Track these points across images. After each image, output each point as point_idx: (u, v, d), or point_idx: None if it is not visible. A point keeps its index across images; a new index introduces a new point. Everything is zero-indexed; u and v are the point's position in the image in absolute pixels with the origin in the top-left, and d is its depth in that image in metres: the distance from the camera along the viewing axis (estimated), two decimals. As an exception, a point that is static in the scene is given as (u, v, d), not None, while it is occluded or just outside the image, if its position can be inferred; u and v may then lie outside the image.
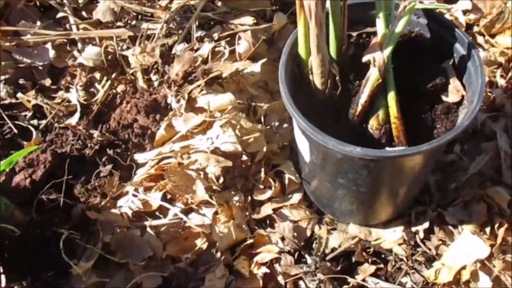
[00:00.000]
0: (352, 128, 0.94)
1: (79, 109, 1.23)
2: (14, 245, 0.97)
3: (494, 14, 1.34)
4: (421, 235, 1.10)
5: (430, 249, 1.09)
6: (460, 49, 0.94)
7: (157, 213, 1.10)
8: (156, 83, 1.22)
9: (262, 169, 1.14)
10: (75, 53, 1.29)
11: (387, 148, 0.92)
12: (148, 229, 1.06)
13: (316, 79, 0.93)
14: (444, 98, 0.95)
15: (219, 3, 1.34)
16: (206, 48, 1.23)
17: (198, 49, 1.24)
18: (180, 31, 1.28)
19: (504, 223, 1.07)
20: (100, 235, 1.03)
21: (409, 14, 0.87)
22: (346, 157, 0.87)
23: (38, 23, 1.33)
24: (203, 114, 1.13)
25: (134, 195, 1.11)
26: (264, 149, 1.13)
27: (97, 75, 1.28)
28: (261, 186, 1.14)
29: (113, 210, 1.09)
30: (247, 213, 1.12)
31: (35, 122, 1.25)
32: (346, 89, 0.95)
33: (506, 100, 1.21)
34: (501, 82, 1.25)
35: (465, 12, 1.39)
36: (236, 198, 1.11)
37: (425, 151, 0.83)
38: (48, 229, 1.01)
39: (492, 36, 1.37)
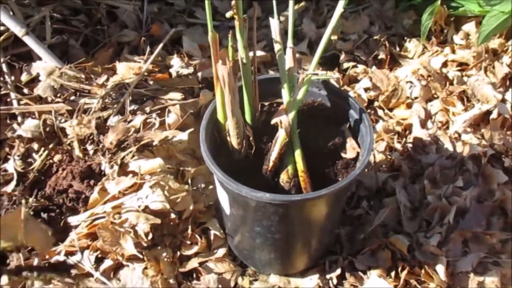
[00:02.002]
0: (266, 183, 1.04)
1: (15, 177, 1.29)
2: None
3: (390, 91, 1.55)
4: (335, 281, 1.19)
5: (343, 294, 1.19)
6: (354, 114, 1.10)
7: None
8: (91, 152, 1.31)
9: (189, 227, 1.21)
10: (15, 126, 1.37)
11: (294, 195, 1.05)
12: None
13: (233, 140, 1.05)
14: (343, 155, 1.09)
15: (151, 82, 1.47)
16: (138, 120, 1.34)
17: (131, 120, 1.35)
18: (115, 106, 1.39)
19: (406, 266, 1.18)
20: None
21: (307, 84, 1.04)
22: (258, 203, 0.98)
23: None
24: (134, 177, 1.22)
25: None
26: (191, 207, 1.21)
27: (35, 145, 1.35)
28: (188, 242, 1.21)
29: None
30: (175, 268, 1.18)
31: (-30, 190, 1.29)
32: (260, 149, 1.08)
33: (403, 162, 1.37)
34: (398, 146, 1.43)
35: (366, 89, 1.59)
36: (164, 254, 1.18)
37: (324, 195, 0.96)
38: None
39: (390, 109, 1.57)
